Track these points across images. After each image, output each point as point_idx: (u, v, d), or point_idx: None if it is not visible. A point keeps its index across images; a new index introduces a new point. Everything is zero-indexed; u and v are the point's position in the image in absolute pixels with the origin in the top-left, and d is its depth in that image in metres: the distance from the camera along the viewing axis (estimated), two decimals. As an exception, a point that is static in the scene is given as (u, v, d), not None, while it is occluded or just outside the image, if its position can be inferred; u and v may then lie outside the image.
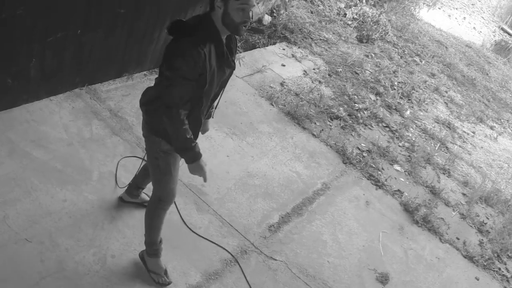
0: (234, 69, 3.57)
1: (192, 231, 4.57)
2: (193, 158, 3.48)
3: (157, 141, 3.61)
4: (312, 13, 10.02)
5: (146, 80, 6.06)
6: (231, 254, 4.61)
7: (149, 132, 3.66)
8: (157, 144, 3.63)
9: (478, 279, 5.75)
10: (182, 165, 3.68)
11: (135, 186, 4.49)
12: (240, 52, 7.58)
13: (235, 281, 4.41)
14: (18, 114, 4.84)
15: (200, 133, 4.13)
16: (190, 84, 3.25)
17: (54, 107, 5.10)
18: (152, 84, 5.90)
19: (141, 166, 4.33)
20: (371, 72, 9.06)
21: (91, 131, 5.05)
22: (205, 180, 3.64)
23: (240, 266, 4.55)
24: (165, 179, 3.76)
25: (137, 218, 4.48)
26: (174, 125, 3.33)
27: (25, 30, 4.36)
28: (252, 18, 3.34)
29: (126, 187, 4.54)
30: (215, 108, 3.99)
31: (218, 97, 3.71)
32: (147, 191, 4.58)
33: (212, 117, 4.07)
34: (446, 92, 10.09)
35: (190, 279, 4.24)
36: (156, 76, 6.14)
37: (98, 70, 5.50)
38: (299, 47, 8.63)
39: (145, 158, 3.90)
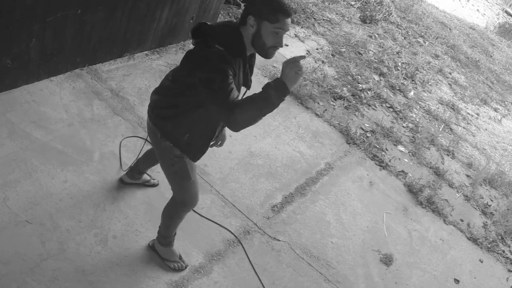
0: (249, 88, 3.39)
1: (194, 211, 4.52)
2: (282, 90, 2.96)
3: (168, 147, 3.44)
4: (315, -7, 9.95)
5: (147, 59, 6.00)
6: (234, 235, 4.57)
7: (160, 136, 3.43)
8: (169, 150, 3.45)
9: (482, 261, 5.73)
10: None
11: (137, 170, 4.42)
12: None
13: (238, 262, 4.38)
14: (18, 95, 4.78)
15: (218, 145, 4.03)
16: (232, 83, 3.00)
17: (55, 87, 5.05)
18: (154, 64, 5.90)
19: (143, 150, 4.24)
20: (375, 53, 9.00)
21: (92, 111, 5.00)
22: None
23: (243, 246, 4.51)
24: (186, 184, 3.62)
25: (139, 198, 4.44)
26: (246, 112, 2.98)
27: (24, 10, 4.29)
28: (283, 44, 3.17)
29: (127, 170, 4.48)
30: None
31: None
32: (149, 172, 4.56)
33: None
34: (450, 73, 10.04)
35: (192, 259, 4.21)
36: (157, 55, 6.15)
37: (99, 50, 5.44)
38: (302, 27, 8.56)
39: (148, 139, 3.77)
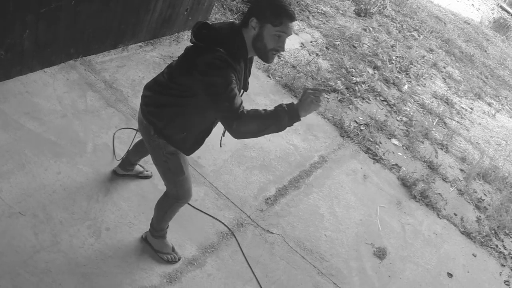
0: (247, 90, 3.41)
1: (188, 204, 4.50)
2: (293, 116, 2.99)
3: (162, 145, 3.41)
4: (309, -14, 9.93)
5: (141, 51, 5.97)
6: (227, 227, 4.57)
7: (153, 133, 3.38)
8: (162, 148, 3.43)
9: (475, 256, 5.74)
10: None
11: (128, 162, 4.40)
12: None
13: (231, 254, 4.38)
14: (11, 86, 4.75)
15: None
16: (235, 88, 3.01)
17: (48, 78, 5.02)
18: (148, 56, 5.87)
19: (134, 142, 4.21)
20: (369, 46, 8.99)
21: (85, 102, 4.98)
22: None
23: (236, 239, 4.51)
24: (180, 180, 3.60)
25: (132, 190, 4.43)
26: (251, 124, 3.03)
27: (18, 1, 4.27)
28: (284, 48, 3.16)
29: (120, 160, 4.45)
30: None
31: None
32: (142, 163, 4.54)
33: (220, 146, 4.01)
34: (444, 67, 10.05)
35: (185, 252, 4.20)
36: (151, 46, 6.13)
37: (93, 41, 5.41)
38: (296, 20, 8.53)
39: (139, 130, 3.74)
